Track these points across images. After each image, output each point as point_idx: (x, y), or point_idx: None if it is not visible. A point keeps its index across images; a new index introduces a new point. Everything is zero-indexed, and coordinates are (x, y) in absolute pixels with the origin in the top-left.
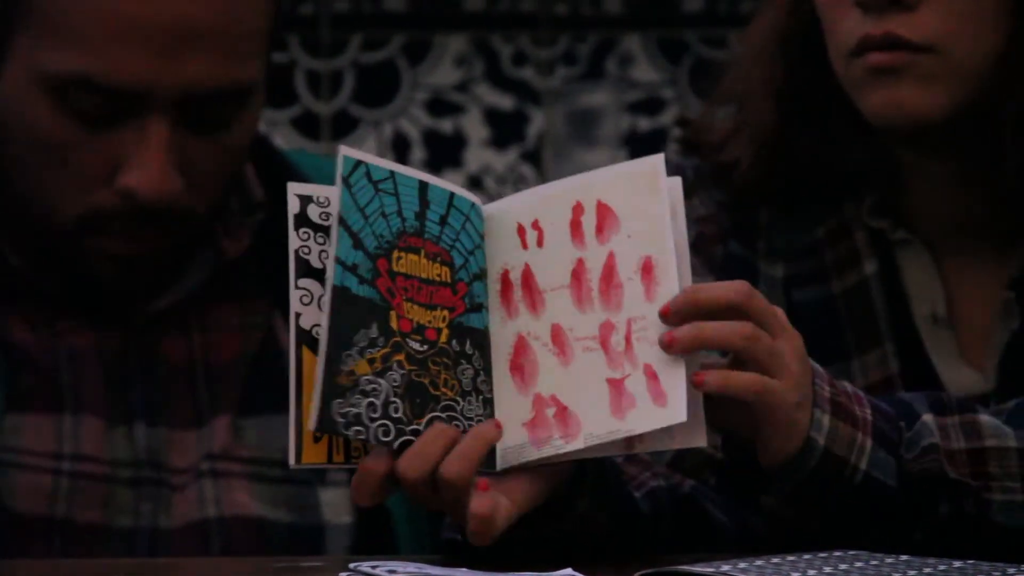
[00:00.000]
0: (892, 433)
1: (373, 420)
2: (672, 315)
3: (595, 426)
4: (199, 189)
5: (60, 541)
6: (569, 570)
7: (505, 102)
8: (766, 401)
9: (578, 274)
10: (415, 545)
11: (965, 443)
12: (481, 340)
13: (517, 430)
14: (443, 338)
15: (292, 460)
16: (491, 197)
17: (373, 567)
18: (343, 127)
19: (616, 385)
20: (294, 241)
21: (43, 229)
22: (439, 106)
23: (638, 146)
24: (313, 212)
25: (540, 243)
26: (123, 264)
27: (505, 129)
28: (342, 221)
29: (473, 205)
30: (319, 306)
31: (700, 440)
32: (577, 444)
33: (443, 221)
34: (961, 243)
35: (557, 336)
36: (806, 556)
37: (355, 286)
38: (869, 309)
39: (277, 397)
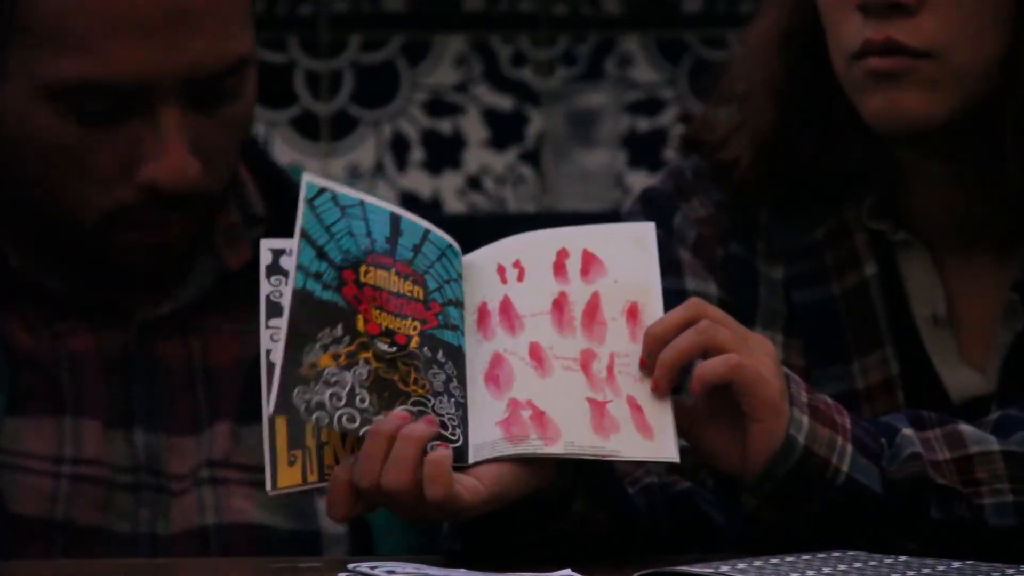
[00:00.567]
0: (872, 444)
1: (337, 408)
2: (648, 363)
3: (577, 437)
4: (215, 167)
5: (60, 544)
6: (568, 571)
7: (504, 102)
8: (744, 378)
9: (560, 304)
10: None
11: (950, 453)
12: (455, 354)
13: (490, 428)
14: (414, 344)
15: (268, 486)
16: (490, 198)
17: (372, 567)
18: (342, 127)
19: (598, 406)
20: (265, 287)
21: (66, 230)
22: (438, 106)
23: (637, 146)
24: (285, 261)
25: (520, 279)
26: (153, 253)
27: (504, 129)
28: (305, 235)
29: (450, 245)
30: None
31: (673, 454)
32: (557, 448)
33: (416, 249)
34: (961, 244)
35: (535, 351)
36: (805, 557)
37: (319, 291)
38: (869, 310)
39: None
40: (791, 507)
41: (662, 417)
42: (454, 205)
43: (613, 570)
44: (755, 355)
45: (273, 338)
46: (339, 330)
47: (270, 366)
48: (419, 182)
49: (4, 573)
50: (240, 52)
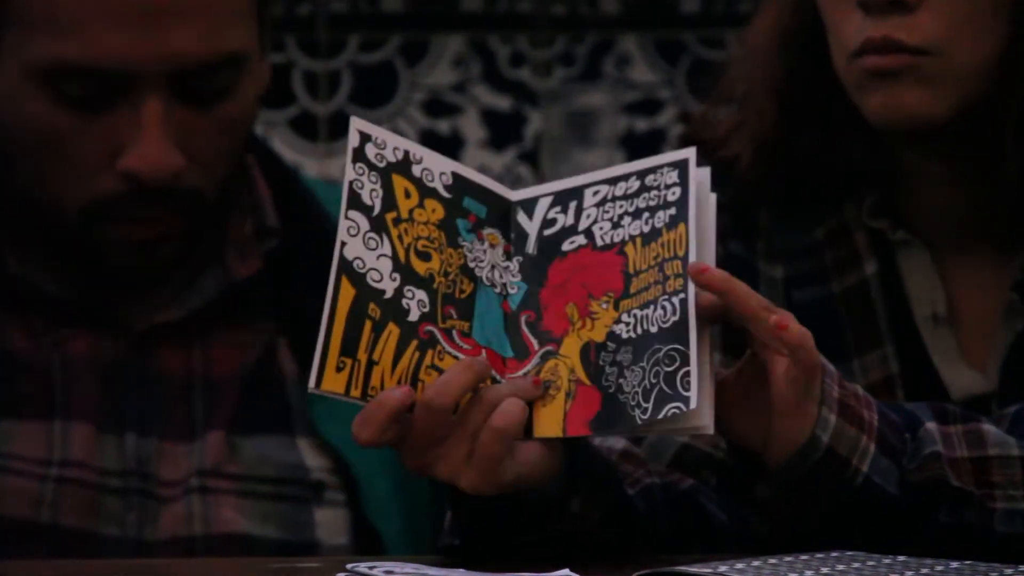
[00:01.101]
0: (897, 442)
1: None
2: (701, 275)
3: None
4: (203, 168)
5: (44, 547)
6: (566, 571)
7: (502, 103)
8: (807, 359)
9: None
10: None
11: (968, 452)
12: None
13: None
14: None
15: (312, 383)
16: None
17: (370, 567)
18: (341, 128)
19: None
20: (349, 173)
21: (51, 223)
22: (436, 107)
23: (636, 147)
24: (370, 151)
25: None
26: (135, 251)
27: (502, 130)
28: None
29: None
30: (363, 241)
31: (709, 426)
32: None
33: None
34: (962, 243)
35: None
36: (803, 557)
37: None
38: (869, 310)
39: (272, 417)
40: (804, 502)
41: (703, 385)
42: None
43: (611, 570)
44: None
45: (350, 231)
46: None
47: (342, 261)
48: None
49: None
50: (231, 48)
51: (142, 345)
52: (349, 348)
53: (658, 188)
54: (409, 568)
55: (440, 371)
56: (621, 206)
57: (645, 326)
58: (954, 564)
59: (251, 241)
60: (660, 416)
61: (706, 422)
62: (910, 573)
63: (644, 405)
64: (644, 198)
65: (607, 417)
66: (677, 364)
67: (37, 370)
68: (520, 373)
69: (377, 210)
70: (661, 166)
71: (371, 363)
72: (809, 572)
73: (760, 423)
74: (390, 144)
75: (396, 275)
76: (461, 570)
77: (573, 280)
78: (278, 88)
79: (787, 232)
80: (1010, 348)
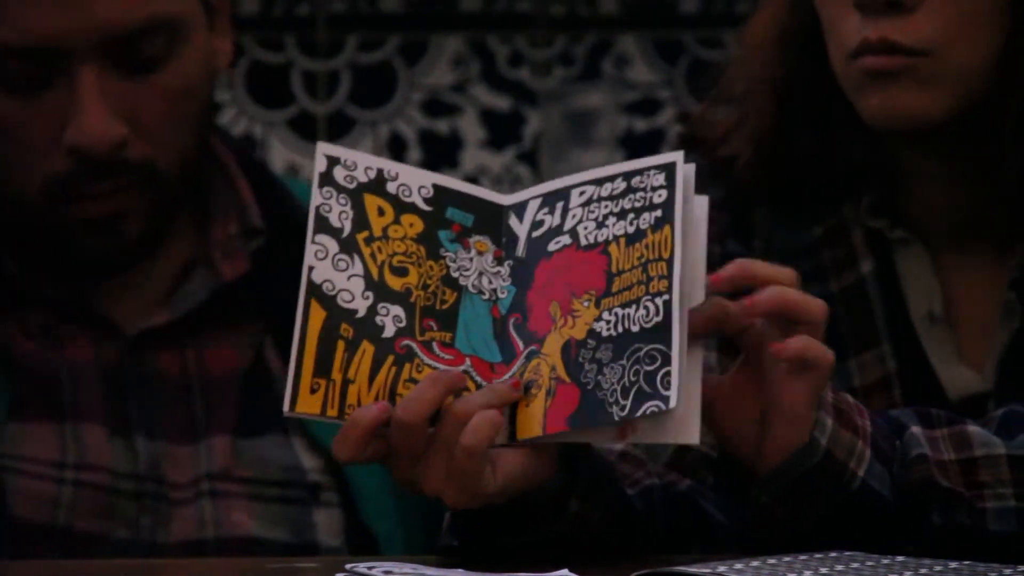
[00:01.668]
0: (888, 449)
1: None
2: (723, 282)
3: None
4: (151, 138)
5: (59, 549)
6: (565, 571)
7: (501, 103)
8: (828, 375)
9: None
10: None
11: (955, 454)
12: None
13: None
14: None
15: (286, 407)
16: None
17: (369, 567)
18: (339, 128)
19: None
20: (316, 198)
21: (16, 211)
22: (435, 107)
23: (635, 147)
24: (339, 173)
25: None
26: (98, 229)
27: (502, 130)
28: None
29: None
30: (331, 263)
31: (693, 437)
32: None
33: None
34: (959, 242)
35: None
36: (802, 557)
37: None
38: (866, 308)
39: (272, 418)
40: (801, 507)
41: (689, 393)
42: None
43: (610, 570)
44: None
45: (317, 255)
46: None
47: (310, 285)
48: None
49: (4, 574)
50: (157, 12)
51: (138, 349)
52: (322, 369)
53: (644, 190)
54: (408, 568)
55: (413, 384)
56: (606, 206)
57: (626, 325)
58: (953, 564)
59: (237, 242)
60: (638, 414)
61: (692, 433)
62: (909, 573)
63: (623, 402)
64: (630, 199)
65: (585, 414)
66: (658, 364)
67: (42, 372)
68: (505, 377)
69: (347, 231)
70: (648, 168)
71: (347, 382)
72: (808, 572)
73: (752, 428)
74: (361, 164)
75: (369, 293)
76: (460, 570)
77: (557, 280)
78: (277, 88)
79: (785, 231)
80: (1007, 347)
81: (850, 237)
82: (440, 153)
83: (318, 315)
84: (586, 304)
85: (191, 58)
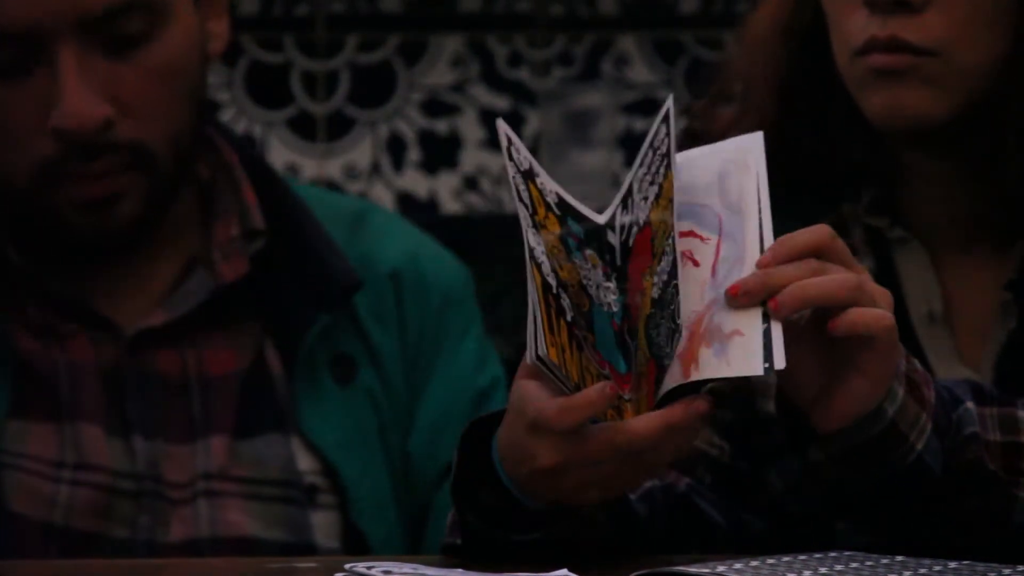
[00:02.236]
0: (945, 423)
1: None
2: (741, 295)
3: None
4: (139, 117)
5: (56, 549)
6: (564, 570)
7: (501, 103)
8: (891, 338)
9: None
10: None
11: (1001, 436)
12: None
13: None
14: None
15: (541, 350)
16: (487, 198)
17: (368, 567)
18: (339, 128)
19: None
20: (510, 169)
21: (8, 197)
22: (435, 107)
23: (634, 147)
24: (515, 154)
25: None
26: (90, 212)
27: None
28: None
29: None
30: (531, 232)
31: (756, 367)
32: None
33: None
34: (959, 242)
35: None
36: (802, 557)
37: None
38: None
39: (268, 419)
40: (856, 472)
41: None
42: (451, 205)
43: (610, 570)
44: (884, 306)
45: (523, 221)
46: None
47: (528, 246)
48: (416, 182)
49: (4, 572)
50: None
51: (137, 349)
52: (552, 328)
53: (659, 148)
54: (407, 568)
55: (591, 375)
56: (646, 180)
57: (663, 278)
58: (952, 564)
59: (237, 243)
60: (669, 350)
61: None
62: (908, 573)
63: (667, 350)
64: (654, 163)
65: (659, 381)
66: (676, 297)
67: (42, 371)
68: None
69: (531, 209)
70: (657, 126)
71: (562, 347)
72: (808, 572)
73: (818, 370)
74: (522, 152)
75: (553, 275)
76: (459, 570)
77: (636, 270)
78: (276, 88)
79: (784, 228)
80: (1004, 347)
81: (849, 236)
82: (439, 153)
83: (536, 277)
84: (648, 277)
85: (176, 37)
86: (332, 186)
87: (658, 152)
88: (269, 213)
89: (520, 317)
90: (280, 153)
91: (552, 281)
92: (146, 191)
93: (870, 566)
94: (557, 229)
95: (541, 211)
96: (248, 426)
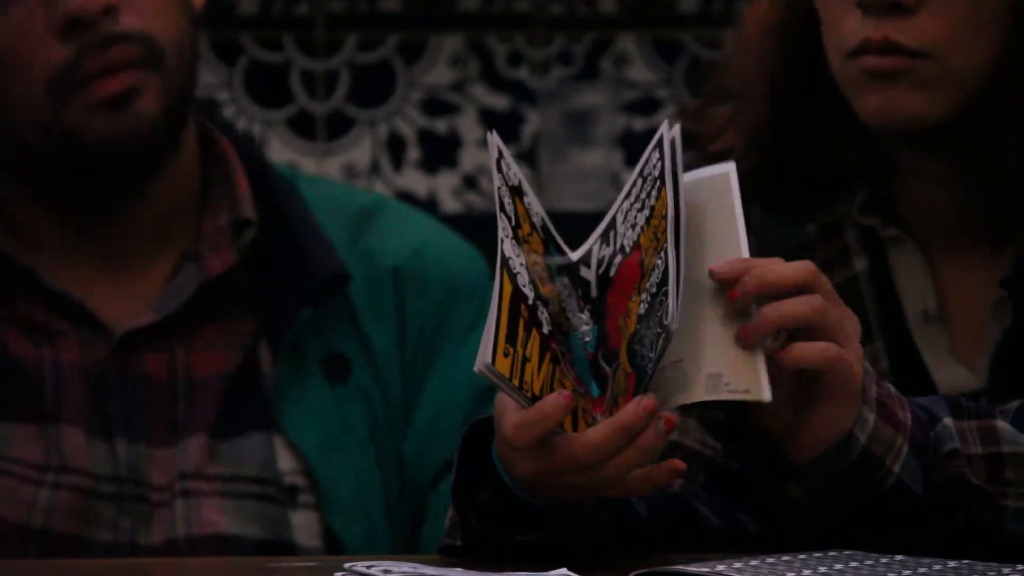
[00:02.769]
0: (923, 441)
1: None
2: (739, 299)
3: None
4: (140, 12)
5: (34, 552)
6: (564, 570)
7: (500, 102)
8: (840, 371)
9: None
10: None
11: (982, 449)
12: None
13: None
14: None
15: (487, 360)
16: (486, 197)
17: (368, 567)
18: (338, 127)
19: None
20: (496, 180)
21: (22, 136)
22: (434, 106)
23: (633, 146)
24: (504, 167)
25: None
26: (117, 107)
27: (500, 129)
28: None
29: None
30: (511, 243)
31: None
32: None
33: None
34: (954, 240)
35: None
36: (801, 556)
37: None
38: (859, 306)
39: (254, 417)
40: (834, 502)
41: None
42: (450, 205)
43: (609, 570)
44: (851, 344)
45: (504, 231)
46: None
47: (502, 255)
48: (415, 181)
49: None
50: None
51: (125, 350)
52: (511, 337)
53: (651, 174)
54: (406, 567)
55: (564, 387)
56: (635, 208)
57: (652, 291)
58: (952, 563)
59: (225, 234)
60: (652, 355)
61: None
62: (908, 572)
63: (650, 355)
64: (644, 189)
65: (639, 389)
66: (665, 309)
67: (29, 372)
68: (605, 406)
69: (514, 222)
70: (649, 154)
71: (524, 359)
72: (807, 572)
73: (789, 408)
74: (513, 168)
75: (531, 288)
76: (458, 569)
77: (618, 296)
78: (276, 87)
79: (779, 229)
80: (999, 345)
81: (843, 235)
82: (439, 152)
83: (508, 286)
84: (634, 298)
85: None
86: None
87: (649, 178)
88: (263, 203)
89: None
90: (280, 152)
91: (529, 292)
92: (160, 90)
93: (870, 565)
94: (541, 248)
95: (526, 227)
96: (231, 425)
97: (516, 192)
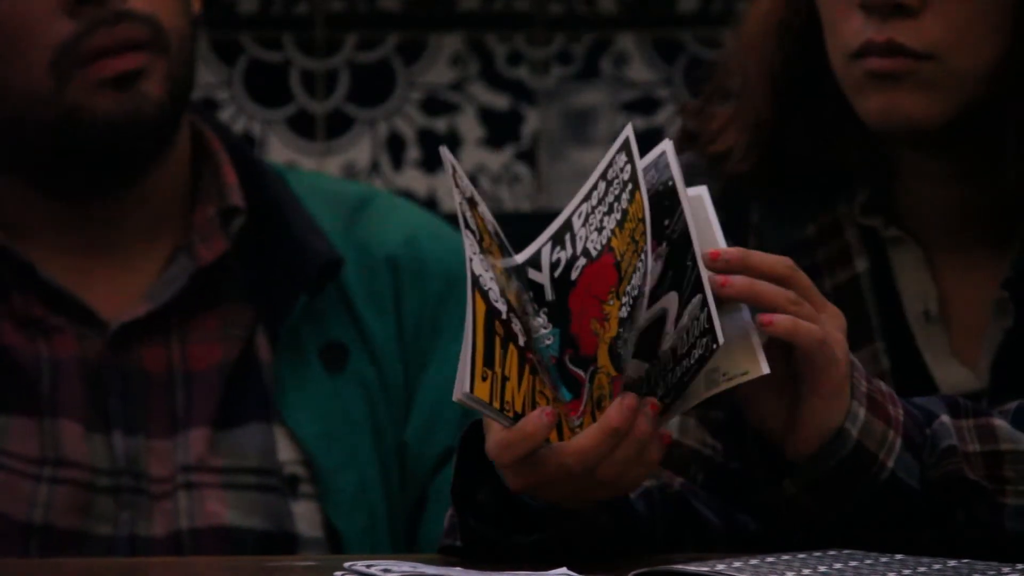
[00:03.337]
0: (918, 437)
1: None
2: (720, 262)
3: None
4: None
5: (36, 547)
6: (564, 569)
7: (500, 101)
8: (826, 354)
9: None
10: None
11: (980, 447)
12: None
13: None
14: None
15: (465, 389)
16: (486, 197)
17: (368, 566)
18: (338, 126)
19: None
20: (456, 195)
21: (26, 106)
22: (434, 105)
23: None
24: (459, 181)
25: None
26: (122, 86)
27: (500, 129)
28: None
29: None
30: (479, 260)
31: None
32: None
33: None
34: (955, 241)
35: None
36: (800, 555)
37: None
38: (860, 306)
39: (253, 407)
40: (831, 498)
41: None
42: (450, 204)
43: (609, 569)
44: (827, 327)
45: (471, 248)
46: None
47: (472, 274)
48: (415, 181)
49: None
50: None
51: (122, 342)
52: (488, 360)
53: (617, 177)
54: (406, 567)
55: (547, 398)
56: (599, 211)
57: (634, 295)
58: (952, 562)
59: (215, 223)
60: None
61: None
62: (907, 571)
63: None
64: (611, 192)
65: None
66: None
67: (23, 367)
68: (581, 408)
69: (478, 236)
70: (613, 157)
71: (504, 378)
72: (807, 571)
73: (785, 405)
74: (464, 181)
75: (503, 300)
76: (458, 568)
77: (587, 300)
78: (275, 87)
79: (779, 229)
80: (1000, 346)
81: (844, 235)
82: (438, 152)
83: (480, 306)
84: (611, 302)
85: None
86: None
87: (615, 181)
88: (250, 193)
89: None
90: (279, 152)
91: (502, 307)
92: (164, 73)
93: (869, 565)
94: (499, 256)
95: (487, 239)
96: (231, 417)
97: (471, 204)
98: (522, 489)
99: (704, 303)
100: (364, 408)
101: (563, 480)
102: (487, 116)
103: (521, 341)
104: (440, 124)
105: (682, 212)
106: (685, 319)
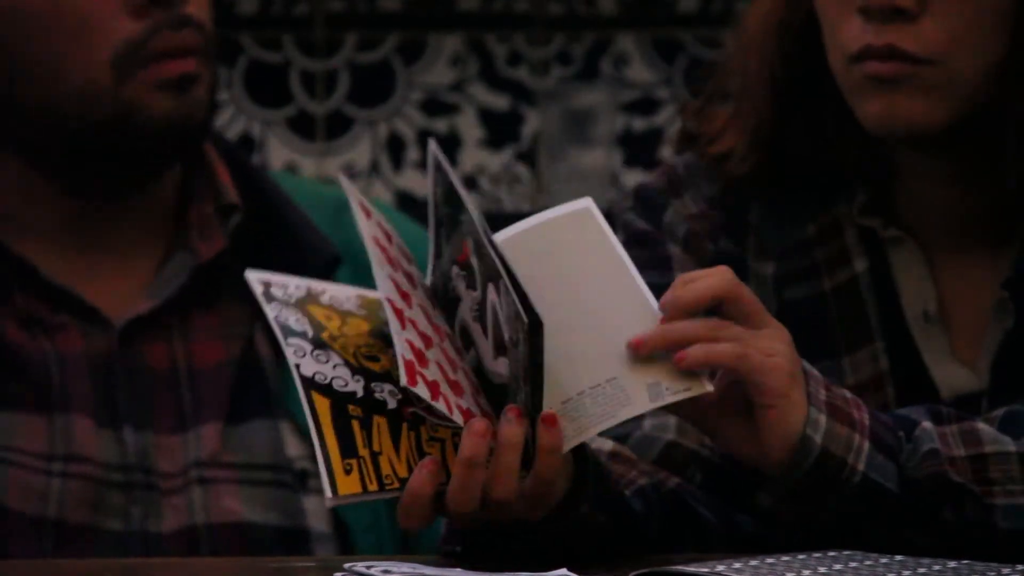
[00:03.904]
0: (890, 440)
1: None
2: (646, 348)
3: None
4: (201, 3)
5: (49, 543)
6: (563, 570)
7: (500, 102)
8: (752, 365)
9: None
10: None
11: (965, 450)
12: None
13: None
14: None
15: (329, 494)
16: (486, 197)
17: (368, 567)
18: (338, 127)
19: None
20: (269, 313)
21: (78, 94)
22: (434, 106)
23: (633, 146)
24: (277, 292)
25: None
26: (175, 88)
27: (500, 129)
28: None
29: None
30: (312, 359)
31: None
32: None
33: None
34: (954, 241)
35: None
36: (800, 556)
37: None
38: (859, 307)
39: (262, 403)
40: (807, 506)
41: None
42: None
43: (609, 570)
44: (754, 342)
45: (297, 354)
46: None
47: (304, 381)
48: (415, 181)
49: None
50: None
51: (124, 340)
52: (348, 450)
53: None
54: (406, 568)
55: (441, 441)
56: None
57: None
58: (952, 563)
59: (212, 220)
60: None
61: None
62: (907, 572)
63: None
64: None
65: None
66: None
67: (32, 364)
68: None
69: (311, 333)
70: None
71: (375, 454)
72: (807, 572)
73: (750, 427)
74: (291, 283)
75: (359, 377)
76: (458, 569)
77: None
78: (275, 87)
79: (778, 229)
80: (1000, 346)
81: (843, 235)
82: (439, 151)
83: (323, 403)
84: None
85: None
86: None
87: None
88: (244, 191)
89: None
90: (279, 152)
91: (355, 387)
92: (209, 82)
93: (869, 566)
94: (367, 327)
95: (334, 321)
96: (239, 413)
97: (306, 301)
98: (469, 527)
99: (507, 288)
100: None
101: (478, 512)
102: (487, 117)
103: (392, 405)
104: (440, 125)
105: (466, 209)
106: (503, 309)
